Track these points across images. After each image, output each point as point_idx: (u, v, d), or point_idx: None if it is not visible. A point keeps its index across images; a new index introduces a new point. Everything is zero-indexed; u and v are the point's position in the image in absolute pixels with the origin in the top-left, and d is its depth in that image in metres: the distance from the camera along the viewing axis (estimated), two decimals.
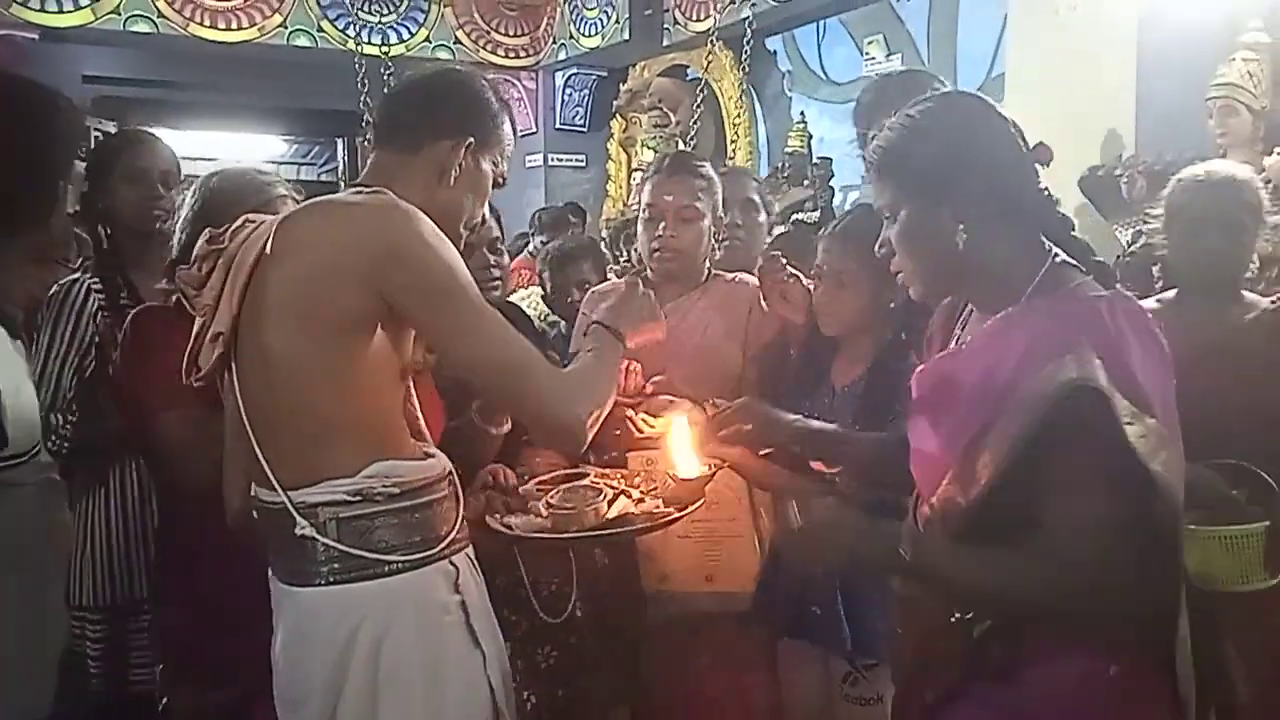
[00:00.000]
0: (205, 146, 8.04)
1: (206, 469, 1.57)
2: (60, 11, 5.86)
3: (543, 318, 3.23)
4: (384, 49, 5.55)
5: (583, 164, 7.26)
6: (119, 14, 5.98)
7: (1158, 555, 1.16)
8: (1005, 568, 1.20)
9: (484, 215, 2.18)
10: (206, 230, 1.51)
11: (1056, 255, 1.28)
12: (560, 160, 7.30)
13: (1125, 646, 1.21)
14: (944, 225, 1.27)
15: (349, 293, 1.35)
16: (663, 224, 2.20)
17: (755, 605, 2.02)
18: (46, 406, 1.92)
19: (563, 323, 3.07)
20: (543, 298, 3.43)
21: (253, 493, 1.45)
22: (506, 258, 2.32)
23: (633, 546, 2.04)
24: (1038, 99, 4.24)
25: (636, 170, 6.64)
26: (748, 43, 4.54)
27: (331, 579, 1.38)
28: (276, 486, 1.39)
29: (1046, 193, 1.31)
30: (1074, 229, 1.32)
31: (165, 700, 1.87)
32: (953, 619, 1.26)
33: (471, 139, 1.50)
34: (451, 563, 1.45)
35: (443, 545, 1.43)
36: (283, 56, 6.54)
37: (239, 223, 1.48)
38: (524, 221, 6.16)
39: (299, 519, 1.37)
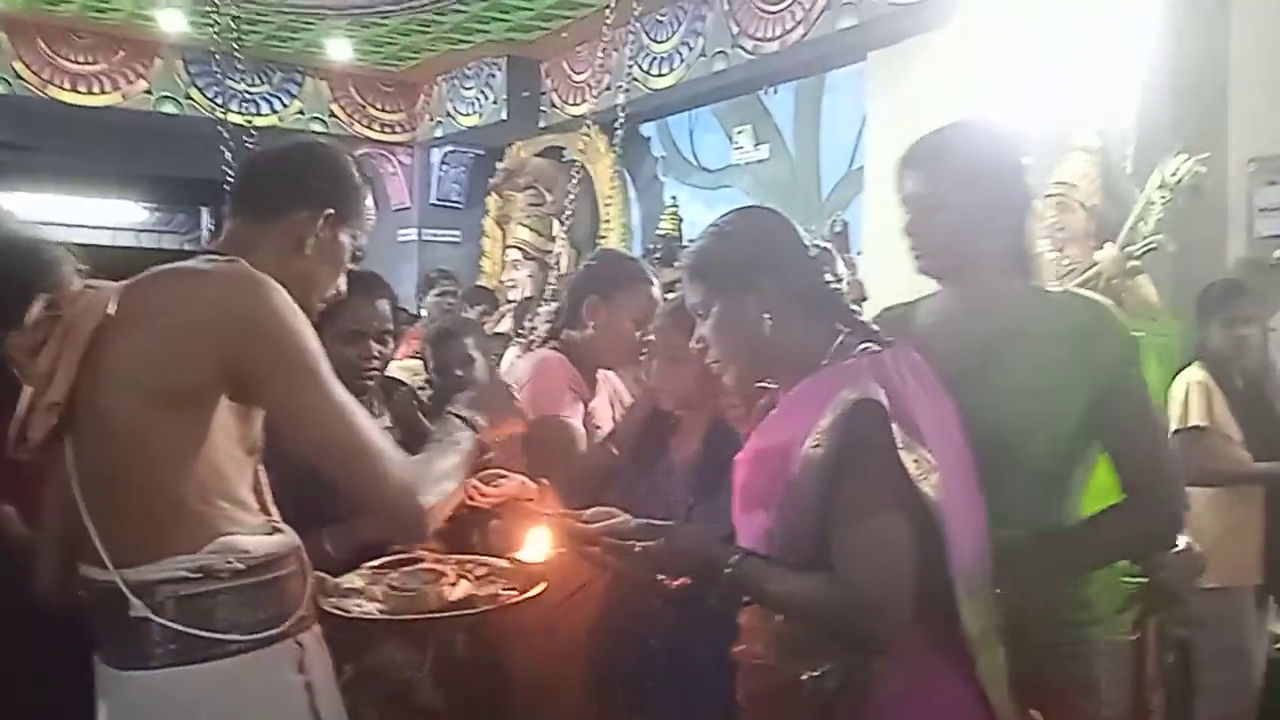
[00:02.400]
0: (63, 212, 7.75)
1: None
2: None
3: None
4: (247, 119, 5.45)
5: (458, 239, 7.26)
6: None
7: (931, 569, 1.27)
8: (813, 586, 1.30)
9: (377, 306, 2.17)
10: (43, 296, 1.44)
11: (846, 332, 1.43)
12: (435, 236, 7.28)
13: (957, 692, 1.32)
14: (751, 314, 1.42)
15: (196, 363, 1.30)
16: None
17: (598, 685, 2.01)
18: None
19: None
20: (425, 378, 3.39)
21: (81, 571, 1.36)
22: (391, 346, 2.28)
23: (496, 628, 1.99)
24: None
25: (511, 247, 6.68)
26: (620, 128, 4.67)
27: (167, 661, 1.31)
28: (108, 564, 1.31)
29: (833, 284, 1.47)
30: (857, 312, 1.48)
31: None
32: (803, 678, 1.30)
33: (331, 210, 1.48)
34: (297, 641, 1.39)
35: (288, 623, 1.37)
36: (147, 123, 6.38)
37: (78, 288, 1.42)
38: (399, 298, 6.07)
39: (133, 599, 1.30)
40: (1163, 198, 2.89)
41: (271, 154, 1.57)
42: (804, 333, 1.43)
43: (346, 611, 1.58)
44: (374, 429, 1.36)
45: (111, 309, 1.34)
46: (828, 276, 1.47)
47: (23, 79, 5.89)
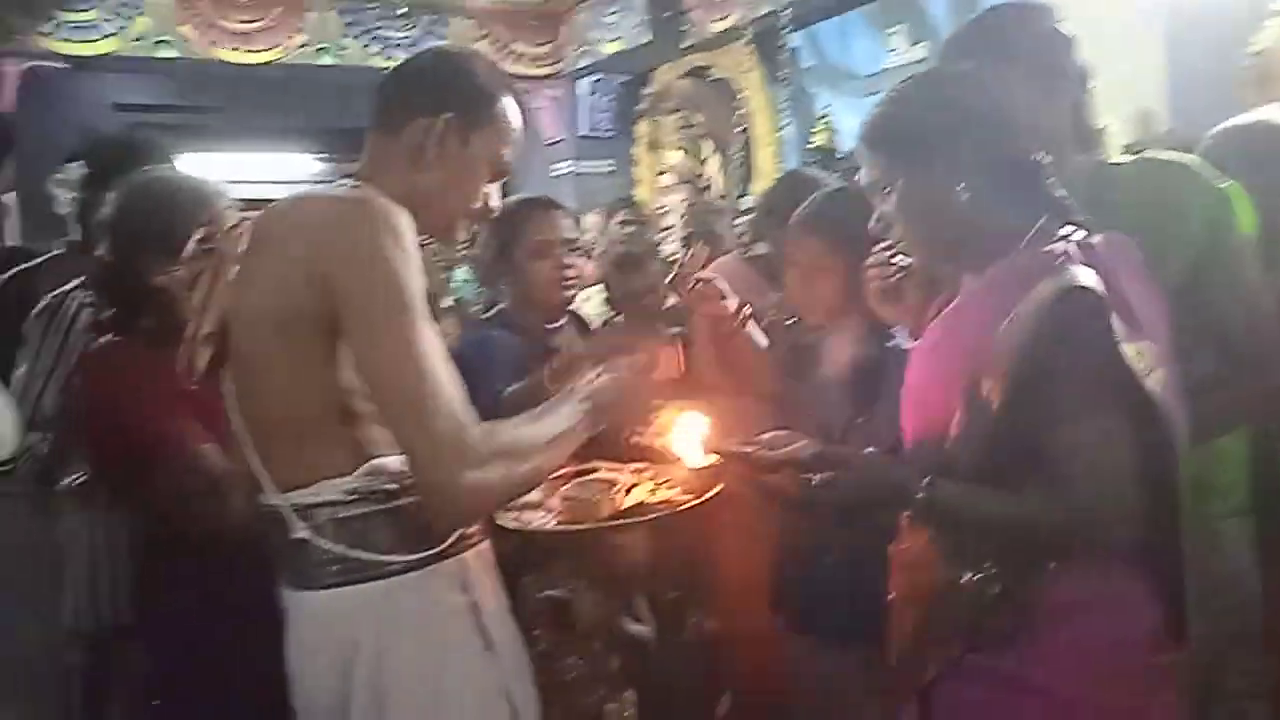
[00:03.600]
0: (238, 170, 8.15)
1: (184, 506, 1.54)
2: (87, 41, 5.95)
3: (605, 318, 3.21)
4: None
5: (611, 169, 7.22)
6: (144, 40, 6.06)
7: (1158, 478, 1.16)
8: (1017, 503, 1.20)
9: (549, 218, 2.16)
10: (201, 229, 1.47)
11: (1049, 214, 1.29)
12: (588, 168, 7.26)
13: (1134, 598, 1.22)
14: (941, 186, 1.27)
15: (306, 293, 1.29)
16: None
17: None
18: (26, 423, 1.88)
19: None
20: (606, 300, 3.40)
21: (259, 497, 1.40)
22: (580, 259, 2.28)
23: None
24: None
25: (663, 173, 6.60)
26: (773, 40, 4.49)
27: (331, 582, 1.34)
28: (272, 489, 1.35)
29: (1040, 157, 1.31)
30: (1062, 192, 1.31)
31: None
32: (965, 579, 1.23)
33: (450, 114, 1.40)
34: (459, 561, 1.39)
35: (448, 543, 1.37)
36: (309, 76, 6.59)
37: (233, 220, 1.45)
38: None
39: (294, 522, 1.33)
40: None
41: (399, 66, 1.52)
42: (1003, 210, 1.28)
43: (524, 525, 1.58)
44: (443, 388, 1.25)
45: (250, 235, 1.36)
46: (1034, 145, 1.31)
47: (189, 41, 6.16)
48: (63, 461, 1.89)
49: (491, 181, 1.48)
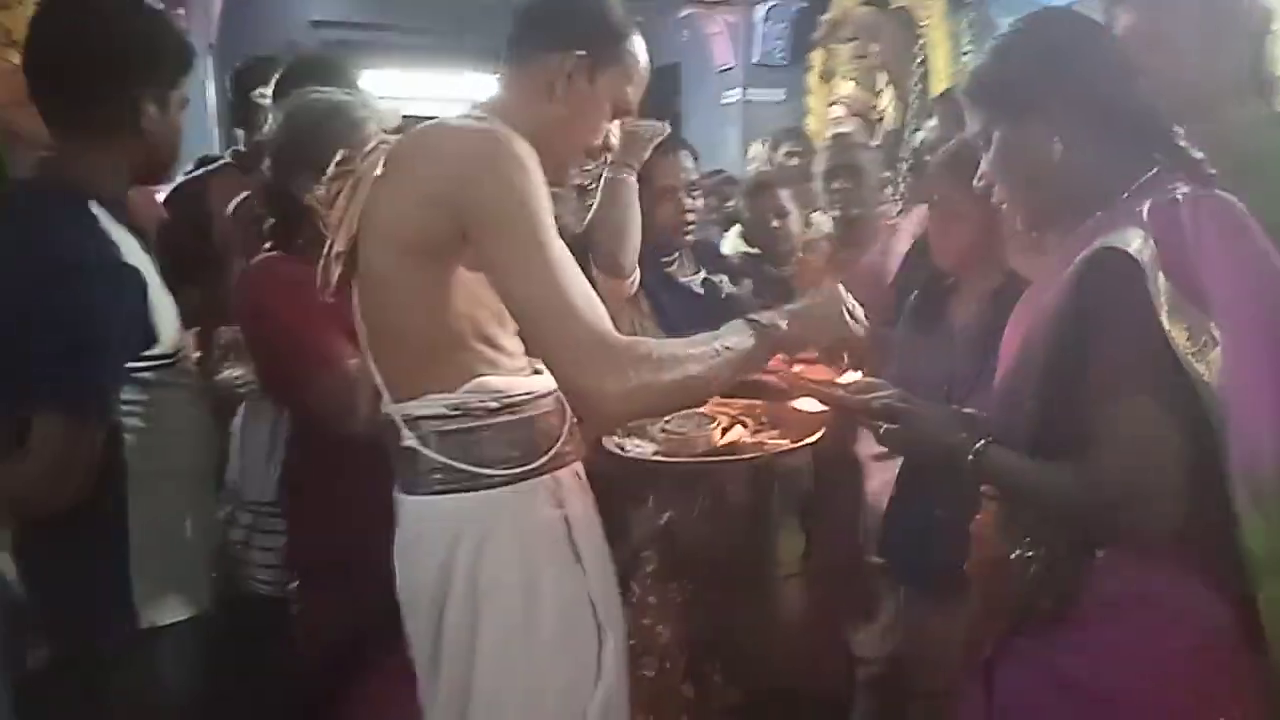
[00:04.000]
0: (433, 88, 8.42)
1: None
2: None
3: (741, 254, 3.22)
4: None
5: (781, 98, 7.09)
6: None
7: (1202, 466, 1.07)
8: (1059, 477, 1.16)
9: (674, 162, 2.19)
10: (341, 151, 1.54)
11: (1160, 164, 1.21)
12: (759, 96, 7.15)
13: (1192, 596, 1.13)
14: (1037, 140, 1.22)
15: (433, 218, 1.35)
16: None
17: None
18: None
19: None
20: (740, 231, 3.42)
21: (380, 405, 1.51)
22: (701, 201, 2.32)
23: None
24: None
25: (834, 103, 6.43)
26: None
27: (435, 489, 1.43)
28: (386, 398, 1.46)
29: (1148, 104, 1.23)
30: (1179, 140, 1.23)
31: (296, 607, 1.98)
32: (1014, 555, 1.21)
33: (582, 52, 1.44)
34: (554, 477, 1.47)
35: (543, 460, 1.45)
36: None
37: (372, 144, 1.51)
38: (718, 158, 6.10)
39: (405, 430, 1.43)
40: None
41: (528, 2, 1.56)
42: (1104, 161, 1.22)
43: (623, 450, 1.65)
44: (583, 299, 1.30)
45: (380, 167, 1.42)
46: (1142, 92, 1.24)
47: None
48: (223, 359, 2.07)
49: (613, 119, 1.52)
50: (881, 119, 5.82)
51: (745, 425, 1.73)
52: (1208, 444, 1.08)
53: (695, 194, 2.26)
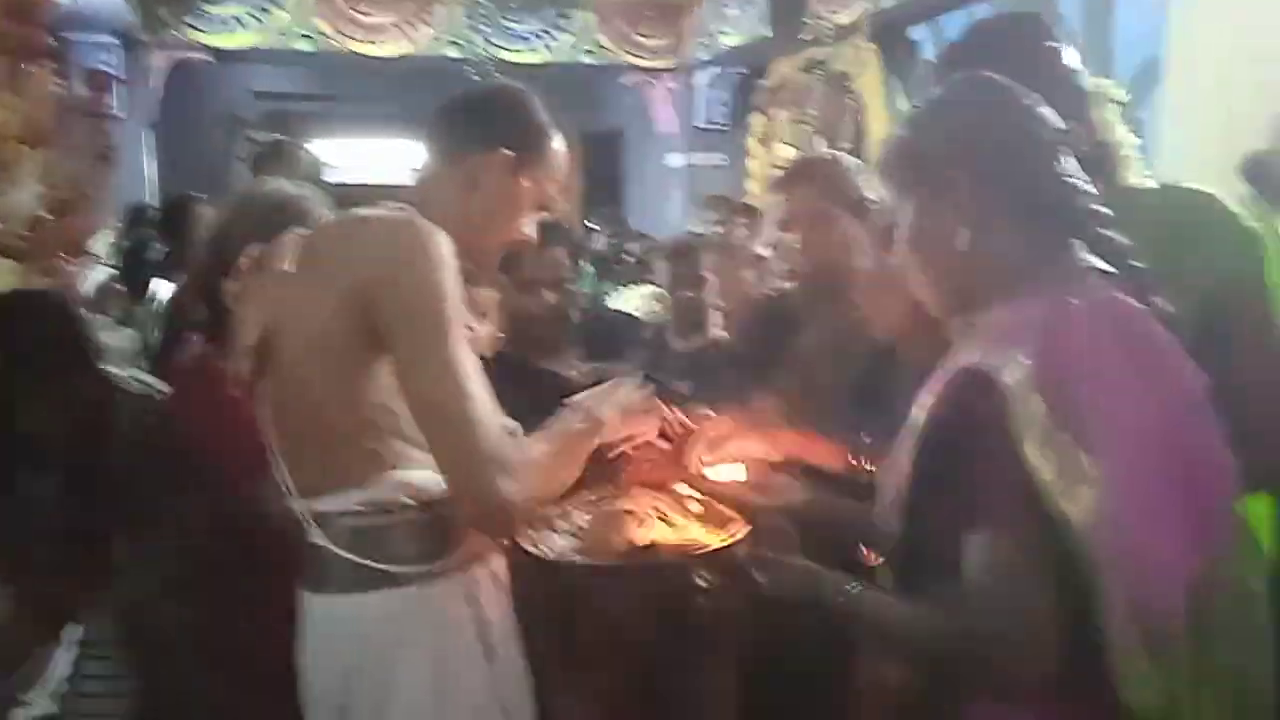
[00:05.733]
0: (371, 157, 8.47)
1: None
2: (231, 33, 6.28)
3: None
4: (520, 53, 5.66)
5: (725, 163, 7.20)
6: (285, 34, 6.36)
7: (1072, 610, 0.98)
8: (926, 622, 1.07)
9: (557, 253, 2.17)
10: (255, 246, 1.52)
11: (1078, 258, 1.12)
12: (702, 160, 7.26)
13: None
14: (945, 224, 1.13)
15: (347, 308, 1.34)
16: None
17: None
18: None
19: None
20: (655, 295, 3.41)
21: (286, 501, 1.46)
22: (572, 293, 2.29)
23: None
24: (1201, 81, 3.93)
25: (775, 167, 6.54)
26: (894, 34, 4.39)
27: (343, 588, 1.39)
28: (295, 494, 1.41)
29: (1069, 183, 1.14)
30: (1106, 224, 1.14)
31: None
32: (887, 681, 1.18)
33: (507, 151, 1.46)
34: (469, 575, 1.43)
35: (458, 558, 1.42)
36: (436, 68, 6.78)
37: (286, 236, 1.49)
38: (663, 223, 6.16)
39: (312, 527, 1.39)
40: None
41: (459, 94, 1.58)
42: (1016, 253, 1.11)
43: (536, 548, 1.57)
44: (484, 406, 1.31)
45: (290, 262, 1.41)
46: (1063, 170, 1.13)
47: (326, 35, 6.43)
48: None
49: (534, 214, 1.54)
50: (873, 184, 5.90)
51: (668, 521, 1.65)
52: (1079, 588, 0.98)
53: (565, 288, 2.24)
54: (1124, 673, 0.98)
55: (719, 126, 7.24)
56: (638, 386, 1.60)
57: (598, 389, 1.57)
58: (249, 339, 1.43)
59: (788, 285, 2.20)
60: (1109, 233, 1.14)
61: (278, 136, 3.58)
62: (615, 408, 1.54)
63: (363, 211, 1.46)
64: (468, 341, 1.36)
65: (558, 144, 1.53)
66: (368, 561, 1.37)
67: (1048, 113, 1.16)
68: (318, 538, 1.38)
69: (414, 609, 1.39)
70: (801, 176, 2.02)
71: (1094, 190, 1.15)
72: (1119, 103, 1.71)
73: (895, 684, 1.18)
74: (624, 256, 4.45)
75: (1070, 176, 1.14)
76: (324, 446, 1.39)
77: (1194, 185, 1.47)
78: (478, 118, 1.49)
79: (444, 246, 1.35)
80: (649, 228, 6.17)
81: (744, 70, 7.02)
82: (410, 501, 1.38)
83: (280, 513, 1.48)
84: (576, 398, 1.53)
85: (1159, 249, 1.17)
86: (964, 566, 1.01)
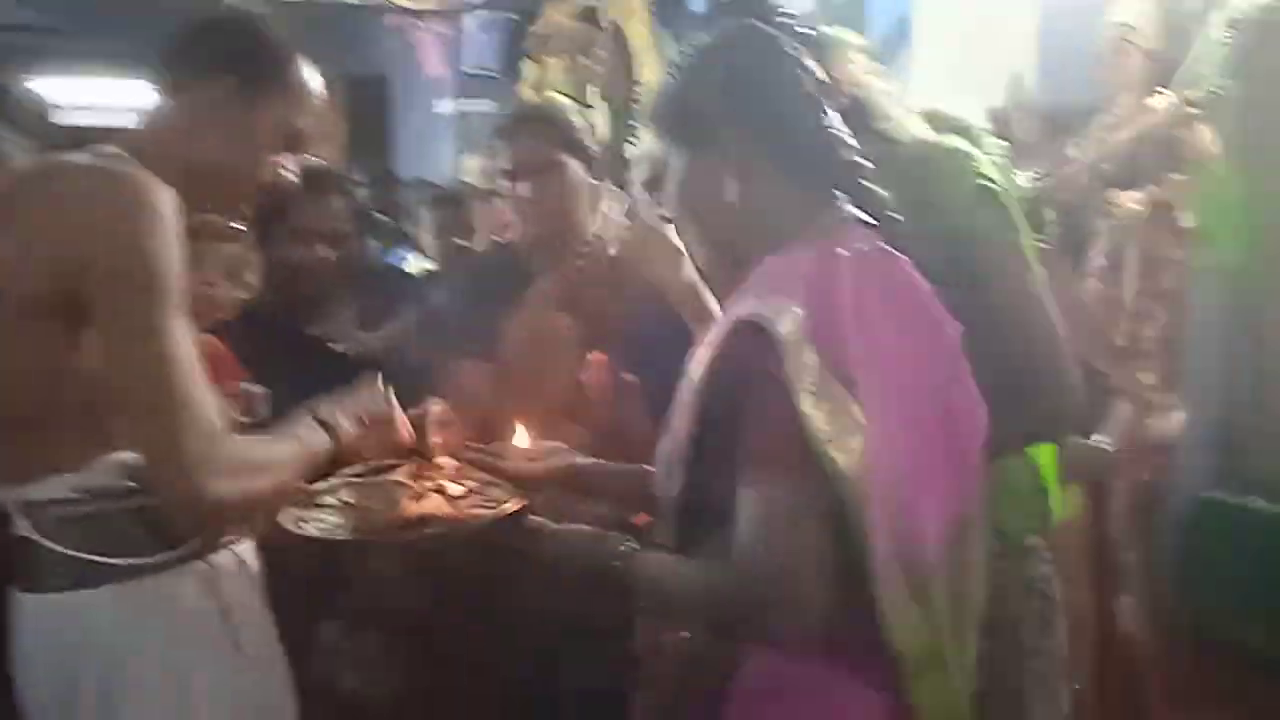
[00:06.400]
0: (86, 94, 7.66)
1: None
2: None
3: None
4: None
5: (496, 111, 7.02)
6: None
7: (847, 555, 1.00)
8: (703, 577, 1.07)
9: (331, 206, 2.00)
10: None
11: (842, 210, 1.14)
12: (471, 107, 7.05)
13: (844, 689, 1.07)
14: (712, 175, 1.12)
15: (51, 271, 1.18)
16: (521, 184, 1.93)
17: None
18: None
19: None
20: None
21: None
22: (351, 250, 2.13)
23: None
24: (947, 43, 4.16)
25: None
26: None
27: (58, 585, 1.23)
28: None
29: (834, 135, 1.15)
30: (867, 176, 1.16)
31: None
32: (661, 638, 1.17)
33: (234, 79, 1.31)
34: (206, 562, 1.30)
35: (193, 544, 1.29)
36: (159, 2, 6.19)
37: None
38: (431, 170, 5.95)
39: (18, 519, 1.23)
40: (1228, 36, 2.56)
41: (184, 22, 1.41)
42: (782, 201, 1.12)
43: (298, 527, 1.46)
44: (200, 387, 1.18)
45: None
46: (828, 122, 1.14)
47: None
48: None
49: (284, 151, 1.39)
50: (593, 130, 5.87)
51: (444, 493, 1.55)
52: (850, 538, 1.00)
53: (341, 241, 2.05)
54: (890, 619, 1.01)
55: (489, 73, 7.04)
56: (380, 394, 1.48)
57: (341, 397, 1.42)
58: None
59: (511, 237, 2.17)
60: (868, 184, 1.16)
61: None
62: (356, 416, 1.41)
63: (68, 158, 1.27)
64: (199, 306, 1.22)
65: (302, 72, 1.38)
66: (83, 554, 1.22)
67: (812, 64, 1.16)
68: (25, 530, 1.22)
69: (141, 604, 1.25)
70: (528, 123, 1.98)
71: (854, 142, 1.16)
72: (865, 52, 1.74)
73: (675, 642, 1.16)
74: (386, 211, 4.22)
75: (833, 128, 1.15)
76: (29, 425, 1.22)
77: (944, 141, 1.52)
78: (199, 43, 1.34)
79: (160, 202, 1.19)
80: (421, 175, 5.93)
81: (514, 15, 6.84)
82: (133, 485, 1.23)
83: None
84: (318, 405, 1.39)
85: (906, 200, 1.20)
86: (738, 519, 1.00)
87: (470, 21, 6.96)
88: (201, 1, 1.44)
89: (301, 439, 1.33)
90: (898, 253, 1.10)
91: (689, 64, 1.17)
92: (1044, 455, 1.59)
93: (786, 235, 1.11)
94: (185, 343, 1.18)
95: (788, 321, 1.00)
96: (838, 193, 1.15)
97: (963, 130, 1.61)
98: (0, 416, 1.24)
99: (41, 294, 1.18)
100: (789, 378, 0.98)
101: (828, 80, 1.17)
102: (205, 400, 1.18)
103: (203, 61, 1.32)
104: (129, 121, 1.41)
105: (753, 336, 1.01)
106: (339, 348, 2.07)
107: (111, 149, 1.28)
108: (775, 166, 1.12)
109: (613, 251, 2.00)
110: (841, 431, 0.98)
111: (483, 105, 7.01)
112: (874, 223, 1.14)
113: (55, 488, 1.22)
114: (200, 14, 1.41)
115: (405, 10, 6.90)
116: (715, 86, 1.13)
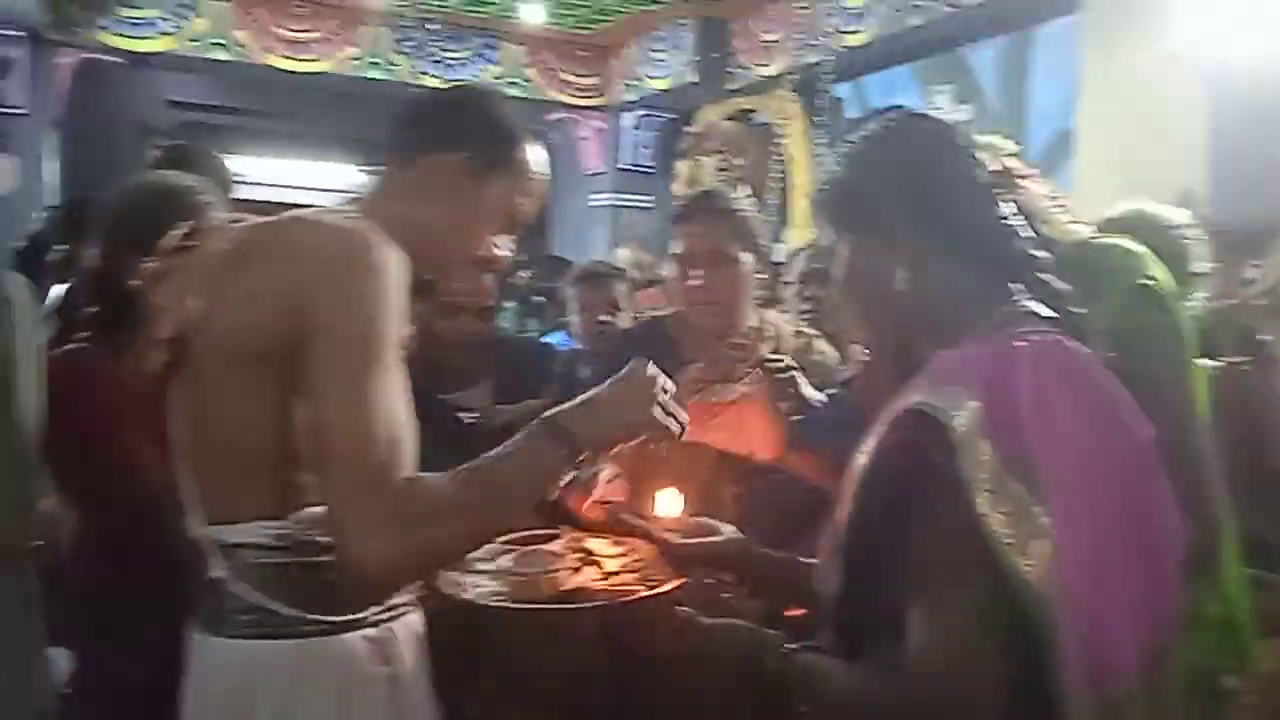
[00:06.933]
0: (284, 175, 8.26)
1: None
2: (144, 38, 6.06)
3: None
4: (447, 84, 5.61)
5: (650, 205, 7.21)
6: (199, 41, 6.16)
7: (1024, 674, 0.92)
8: (864, 684, 1.01)
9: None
10: (180, 225, 1.40)
11: (1018, 301, 1.09)
12: (627, 201, 7.26)
13: None
14: (880, 265, 1.08)
15: (276, 316, 1.19)
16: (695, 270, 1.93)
17: None
18: None
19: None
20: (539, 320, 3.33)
21: (182, 522, 1.31)
22: (492, 323, 2.21)
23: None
24: (1110, 154, 4.09)
25: None
26: (817, 89, 4.46)
27: (240, 631, 1.24)
28: (200, 519, 1.26)
29: (1009, 226, 1.10)
30: (1044, 269, 1.11)
31: None
32: None
33: (467, 154, 1.33)
34: (385, 629, 1.29)
35: (376, 610, 1.28)
36: (356, 88, 6.66)
37: (215, 221, 1.39)
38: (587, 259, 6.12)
39: (215, 559, 1.25)
40: None
41: (420, 97, 1.47)
42: (953, 293, 1.07)
43: (461, 591, 1.43)
44: (392, 446, 1.13)
45: (229, 245, 1.28)
46: (1003, 212, 1.10)
47: (243, 46, 6.26)
48: None
49: (504, 232, 1.40)
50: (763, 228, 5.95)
51: (597, 566, 1.56)
52: (1030, 654, 0.90)
53: (488, 315, 2.15)
54: None
55: (644, 169, 7.26)
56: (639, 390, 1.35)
57: (594, 394, 1.29)
58: (168, 330, 1.27)
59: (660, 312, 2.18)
60: (1047, 276, 1.11)
61: (183, 142, 3.45)
62: (602, 420, 1.28)
63: (308, 214, 1.32)
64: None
65: (530, 153, 1.38)
66: (274, 604, 1.23)
67: (983, 155, 1.14)
68: (220, 570, 1.24)
69: (318, 662, 1.24)
70: (706, 211, 1.96)
71: (1032, 233, 1.12)
72: (1020, 157, 1.74)
73: None
74: (546, 294, 4.37)
75: (1009, 219, 1.11)
76: (239, 468, 1.24)
77: (1109, 240, 1.48)
78: (437, 118, 1.37)
79: (391, 260, 1.21)
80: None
81: (671, 115, 7.07)
82: (325, 541, 1.19)
83: (174, 537, 1.37)
84: (555, 411, 1.27)
85: (1077, 298, 1.15)
86: (908, 626, 0.94)
87: (628, 119, 7.22)
88: (384, 103, 1.52)
89: (518, 454, 1.21)
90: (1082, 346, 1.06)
91: (859, 151, 1.15)
92: (1232, 586, 1.48)
93: (960, 327, 1.06)
94: (391, 401, 1.16)
95: (962, 413, 0.93)
96: (1015, 286, 1.10)
97: (1166, 230, 1.55)
98: (213, 459, 1.26)
99: (268, 340, 1.20)
100: (963, 474, 0.91)
101: (1000, 171, 1.14)
102: (396, 459, 1.14)
103: (436, 135, 1.34)
104: (298, 199, 1.48)
105: (922, 428, 0.95)
106: (467, 418, 2.09)
107: (350, 209, 1.33)
108: (948, 255, 1.08)
109: (765, 350, 2.00)
110: (1024, 535, 0.90)
111: (637, 200, 7.22)
112: (1054, 316, 1.08)
113: (256, 534, 1.24)
114: (440, 92, 1.47)
115: (567, 106, 7.21)
116: (887, 173, 1.10)
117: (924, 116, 1.17)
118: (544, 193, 1.41)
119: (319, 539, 1.21)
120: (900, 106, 1.23)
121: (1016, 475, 0.92)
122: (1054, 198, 2.63)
